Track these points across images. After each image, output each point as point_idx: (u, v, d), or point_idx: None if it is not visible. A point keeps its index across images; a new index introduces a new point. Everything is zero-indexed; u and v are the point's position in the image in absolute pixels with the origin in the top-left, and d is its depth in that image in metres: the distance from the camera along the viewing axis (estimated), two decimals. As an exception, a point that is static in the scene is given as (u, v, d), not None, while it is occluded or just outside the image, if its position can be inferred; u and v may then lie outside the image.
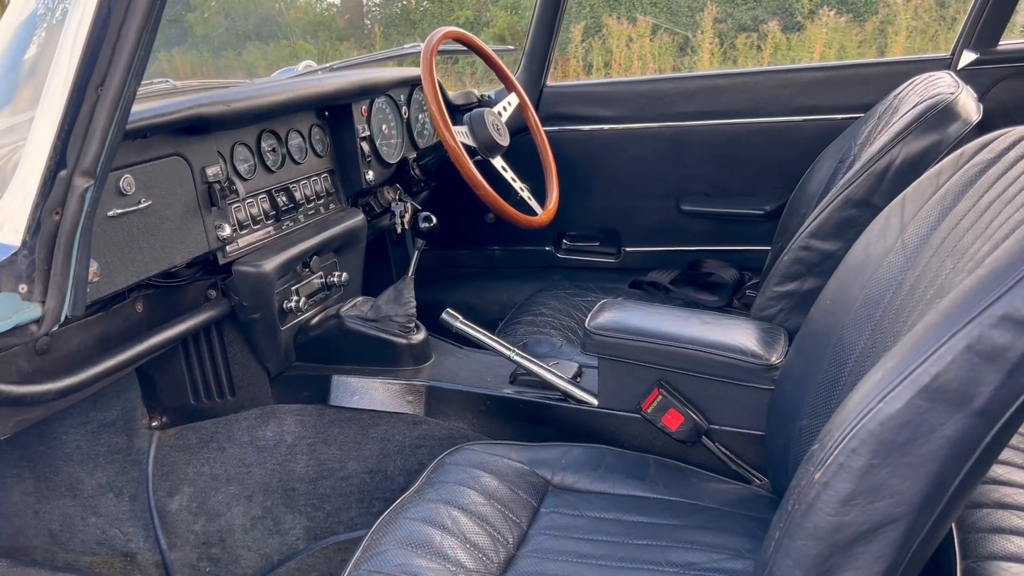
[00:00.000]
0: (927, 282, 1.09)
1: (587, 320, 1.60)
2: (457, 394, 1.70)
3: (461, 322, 1.69)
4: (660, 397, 1.54)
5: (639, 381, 1.57)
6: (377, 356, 1.78)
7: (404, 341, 1.78)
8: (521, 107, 2.24)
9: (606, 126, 2.42)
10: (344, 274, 1.89)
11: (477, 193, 1.91)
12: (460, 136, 1.95)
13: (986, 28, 2.06)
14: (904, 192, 1.27)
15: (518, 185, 2.12)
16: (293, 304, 1.74)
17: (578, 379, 1.70)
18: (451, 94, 2.38)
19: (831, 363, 1.26)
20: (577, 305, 2.21)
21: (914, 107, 1.64)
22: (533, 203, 2.14)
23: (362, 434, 1.72)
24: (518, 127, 2.39)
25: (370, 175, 2.00)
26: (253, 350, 1.74)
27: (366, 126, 2.01)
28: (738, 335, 1.56)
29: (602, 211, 2.52)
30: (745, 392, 1.51)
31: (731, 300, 2.30)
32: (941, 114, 1.57)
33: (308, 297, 1.81)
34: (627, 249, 2.55)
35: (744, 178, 2.36)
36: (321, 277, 1.85)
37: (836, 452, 0.79)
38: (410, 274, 1.81)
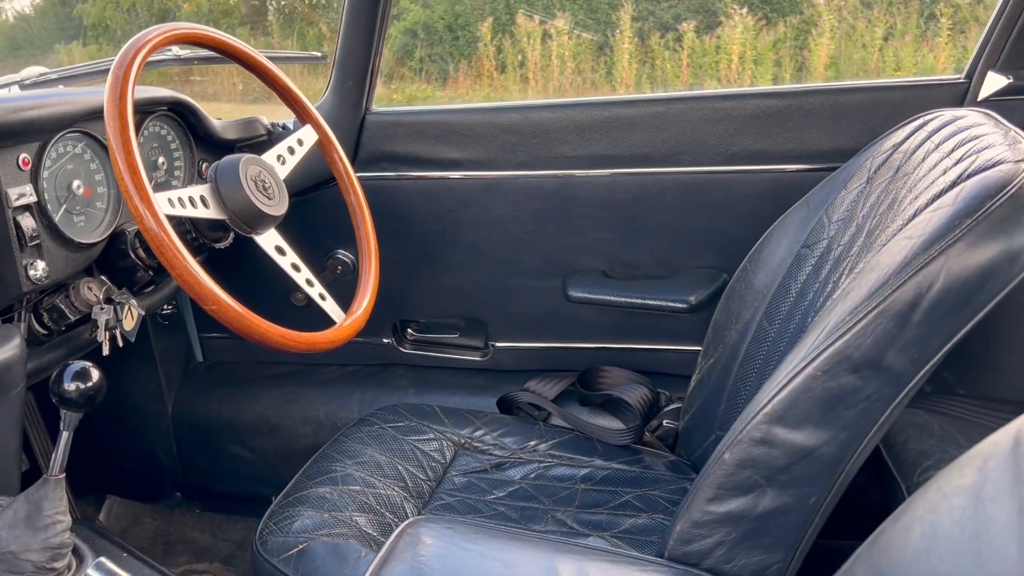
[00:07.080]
0: None
1: None
2: None
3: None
4: None
5: None
6: None
7: (45, 595, 0.98)
8: (322, 145, 1.45)
9: (458, 173, 1.64)
10: None
11: (205, 308, 1.11)
12: (191, 209, 1.16)
13: (1022, 40, 1.35)
14: None
15: (303, 277, 1.33)
16: None
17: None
18: (219, 123, 1.55)
19: None
20: (405, 452, 1.44)
21: (953, 186, 0.91)
22: (329, 305, 1.36)
23: None
24: (323, 177, 1.60)
25: (38, 268, 1.18)
26: None
27: (30, 187, 1.19)
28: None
29: (460, 292, 1.74)
30: None
31: (641, 432, 1.55)
32: (1013, 202, 0.84)
33: None
34: (497, 344, 1.77)
35: (658, 253, 1.61)
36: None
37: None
38: (56, 471, 1.01)
